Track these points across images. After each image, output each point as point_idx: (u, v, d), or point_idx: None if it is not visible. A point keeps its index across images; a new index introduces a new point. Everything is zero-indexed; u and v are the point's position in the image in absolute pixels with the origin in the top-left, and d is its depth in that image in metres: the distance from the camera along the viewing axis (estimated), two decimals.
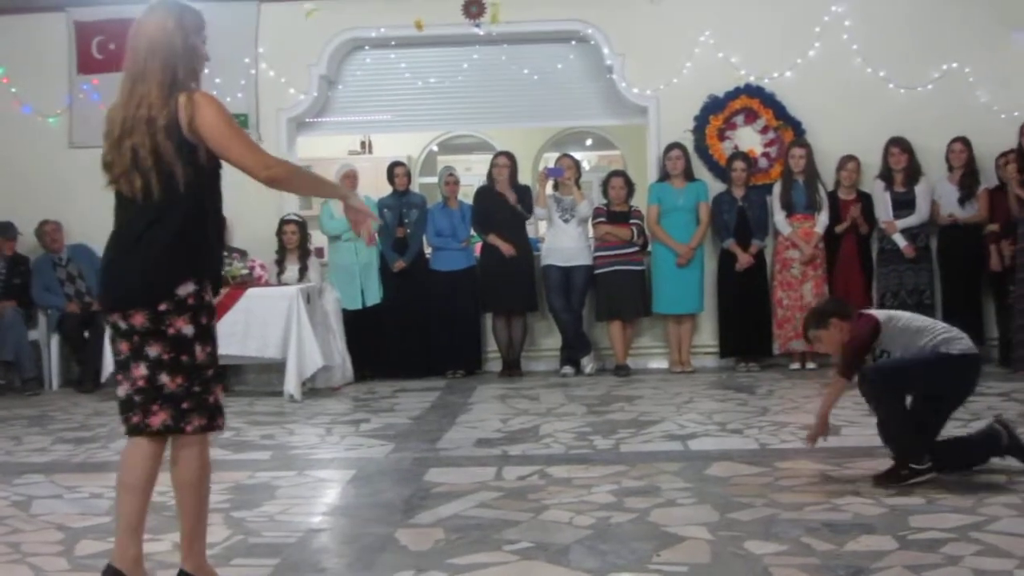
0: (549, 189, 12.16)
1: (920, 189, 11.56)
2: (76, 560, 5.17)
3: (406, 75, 12.91)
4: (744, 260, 11.69)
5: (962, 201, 11.55)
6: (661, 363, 12.24)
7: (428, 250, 12.32)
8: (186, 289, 4.34)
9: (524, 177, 12.88)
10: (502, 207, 12.01)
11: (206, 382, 4.45)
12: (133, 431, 4.42)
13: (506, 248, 11.85)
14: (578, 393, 10.46)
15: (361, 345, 11.74)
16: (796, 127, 12.18)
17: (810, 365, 11.54)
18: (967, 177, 11.58)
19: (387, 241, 12.08)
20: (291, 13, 12.39)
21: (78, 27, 12.51)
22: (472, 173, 16.46)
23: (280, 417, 9.66)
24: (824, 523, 5.35)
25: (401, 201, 12.21)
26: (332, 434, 8.71)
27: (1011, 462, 6.34)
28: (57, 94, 12.57)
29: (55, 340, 12.07)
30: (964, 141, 11.61)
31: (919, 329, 6.37)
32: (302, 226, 12.03)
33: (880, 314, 6.46)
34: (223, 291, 10.59)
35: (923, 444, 6.19)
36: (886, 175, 11.67)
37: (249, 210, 11.89)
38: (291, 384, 10.54)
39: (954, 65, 12.12)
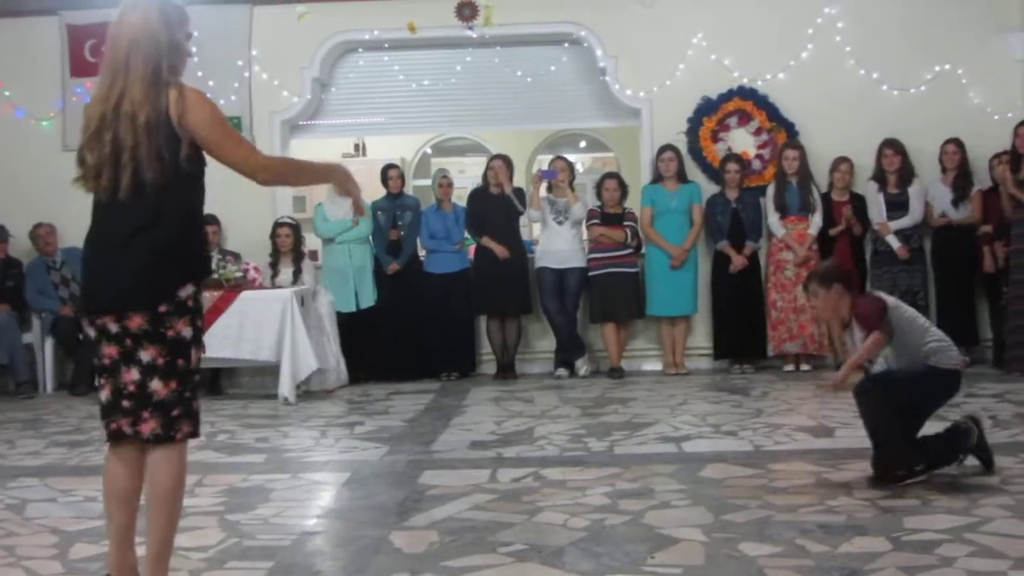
0: (543, 191, 12.18)
1: (913, 190, 11.58)
2: (70, 564, 5.15)
3: (399, 77, 12.92)
4: (738, 262, 11.70)
5: (955, 202, 11.57)
6: (655, 365, 12.25)
7: (422, 252, 12.32)
8: (186, 291, 4.28)
9: (518, 179, 12.86)
10: (496, 209, 12.01)
11: (195, 387, 4.39)
12: (115, 438, 4.34)
13: (500, 250, 11.86)
14: (572, 395, 10.46)
15: (355, 348, 11.74)
16: (789, 129, 12.20)
17: (804, 367, 11.54)
18: (960, 178, 11.60)
19: (381, 243, 12.09)
20: (284, 16, 12.38)
21: (71, 30, 12.50)
22: (466, 175, 16.47)
23: (274, 420, 9.65)
24: (818, 525, 5.35)
25: (395, 203, 12.22)
26: (326, 437, 8.70)
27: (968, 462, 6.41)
28: (50, 97, 12.56)
29: (49, 343, 12.07)
30: (957, 142, 11.63)
31: (922, 328, 6.40)
32: (296, 229, 12.04)
33: (888, 299, 6.45)
34: (216, 294, 10.63)
35: (911, 453, 6.22)
36: (879, 177, 11.70)
37: (243, 213, 11.94)
38: (285, 387, 10.53)
39: (947, 67, 12.14)
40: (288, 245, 11.90)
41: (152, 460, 4.33)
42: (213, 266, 11.07)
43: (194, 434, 4.39)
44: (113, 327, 4.26)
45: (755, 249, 11.85)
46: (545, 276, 11.88)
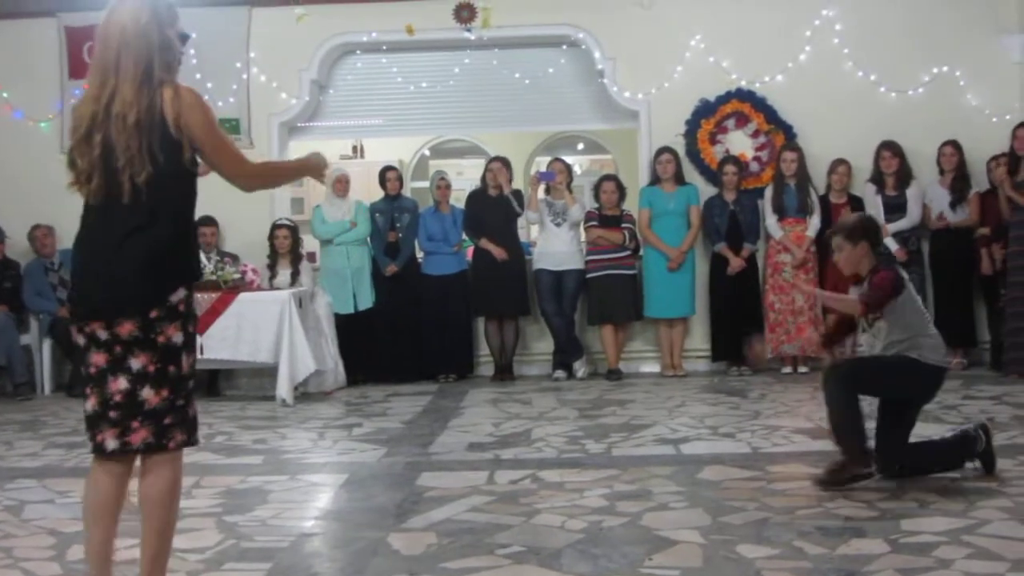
0: (541, 193, 12.19)
1: (911, 193, 11.59)
2: (68, 565, 5.16)
3: (397, 79, 12.91)
4: (736, 264, 11.71)
5: (953, 205, 11.57)
6: (653, 367, 12.24)
7: (420, 254, 12.32)
8: (178, 295, 4.18)
9: (516, 181, 12.87)
10: (494, 211, 12.02)
11: (188, 394, 4.27)
12: (99, 450, 4.21)
13: (498, 252, 11.86)
14: (570, 397, 10.46)
15: (353, 349, 11.74)
16: (787, 131, 12.20)
17: (802, 369, 11.54)
18: (958, 181, 11.61)
19: (379, 245, 12.09)
20: (282, 18, 12.37)
21: (69, 32, 12.50)
22: (464, 177, 16.50)
23: (272, 421, 9.65)
24: (816, 527, 5.36)
25: (393, 205, 12.22)
26: (324, 438, 8.70)
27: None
28: (48, 99, 12.56)
29: (47, 345, 12.05)
30: (955, 145, 11.64)
31: (925, 318, 6.43)
32: (294, 230, 12.03)
33: (906, 280, 6.44)
34: (214, 295, 10.63)
35: (869, 451, 6.23)
36: (877, 179, 11.70)
37: (241, 214, 11.93)
38: (283, 388, 10.53)
39: (944, 69, 12.15)
40: (286, 247, 11.89)
41: (145, 469, 4.24)
42: (211, 267, 11.08)
43: (189, 442, 4.29)
44: (103, 334, 4.14)
45: (753, 251, 11.85)
46: (543, 278, 11.89)
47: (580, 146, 18.08)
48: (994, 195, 11.33)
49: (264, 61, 12.56)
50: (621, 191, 12.05)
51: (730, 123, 12.35)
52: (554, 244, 11.92)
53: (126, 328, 4.11)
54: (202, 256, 11.46)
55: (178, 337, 4.19)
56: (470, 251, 12.32)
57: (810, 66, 12.29)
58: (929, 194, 11.70)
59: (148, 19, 4.18)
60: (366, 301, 11.98)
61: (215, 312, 10.61)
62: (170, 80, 4.19)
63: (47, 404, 11.18)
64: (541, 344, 12.41)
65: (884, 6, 12.21)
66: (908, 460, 6.31)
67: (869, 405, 6.42)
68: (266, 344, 10.64)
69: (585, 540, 5.28)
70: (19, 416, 10.36)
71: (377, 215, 12.15)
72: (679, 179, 12.01)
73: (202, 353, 10.58)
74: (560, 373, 11.87)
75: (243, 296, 10.82)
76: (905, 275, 6.43)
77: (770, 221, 11.72)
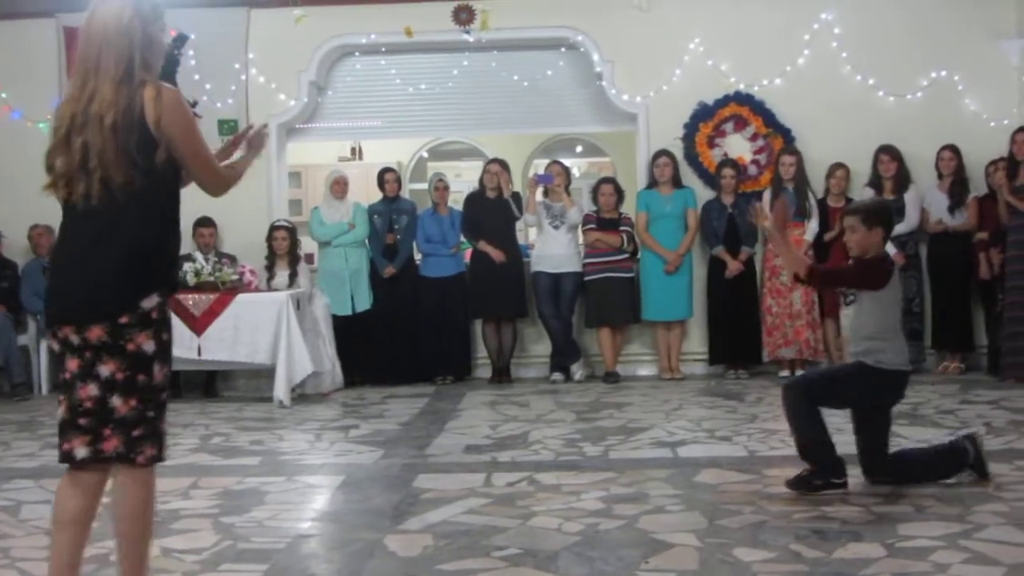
0: (539, 196, 12.18)
1: (909, 197, 11.59)
2: None
3: (396, 81, 12.91)
4: (733, 267, 11.71)
5: (952, 209, 11.57)
6: (650, 370, 12.25)
7: (418, 256, 12.32)
8: (151, 302, 4.07)
9: (514, 184, 12.87)
10: (492, 213, 12.02)
11: (160, 406, 4.15)
12: (67, 459, 4.08)
13: (496, 254, 11.86)
14: (567, 400, 10.46)
15: (351, 351, 11.75)
16: (786, 135, 12.20)
17: (799, 372, 11.53)
18: (956, 185, 11.61)
19: (377, 247, 12.10)
20: (281, 19, 12.36)
21: (67, 32, 12.48)
22: (462, 179, 16.53)
23: (269, 423, 9.65)
24: (812, 530, 5.36)
25: (391, 207, 12.22)
26: (321, 440, 8.70)
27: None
28: (47, 100, 12.46)
29: (44, 345, 12.05)
30: (953, 149, 11.64)
31: (899, 313, 6.44)
32: (292, 232, 12.03)
33: (895, 276, 6.42)
34: (212, 296, 10.63)
35: (839, 461, 6.21)
36: (875, 183, 11.71)
37: (239, 216, 11.93)
38: (280, 390, 10.53)
39: (943, 73, 12.16)
40: (284, 248, 11.89)
41: (119, 483, 4.12)
42: (209, 268, 11.08)
43: (158, 458, 4.15)
44: (74, 339, 4.05)
45: (750, 254, 11.86)
46: (541, 280, 11.89)
47: (578, 149, 18.09)
48: (992, 200, 11.33)
49: (263, 62, 12.56)
50: (619, 194, 12.05)
51: (728, 126, 12.35)
52: (552, 247, 11.92)
53: (95, 333, 4.02)
54: (200, 257, 11.47)
55: (149, 345, 4.08)
56: (468, 253, 12.33)
57: (809, 70, 12.29)
58: (928, 198, 11.71)
59: (131, 17, 4.11)
60: (364, 303, 11.99)
61: (213, 313, 10.62)
62: (152, 79, 4.10)
63: (44, 404, 11.16)
64: (539, 346, 12.41)
65: (883, 10, 12.21)
66: (892, 468, 6.29)
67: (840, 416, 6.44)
68: (264, 345, 10.65)
69: (582, 543, 5.28)
70: (16, 416, 10.36)
71: (375, 217, 12.16)
72: (676, 182, 12.00)
73: (200, 354, 10.64)
74: (557, 376, 11.87)
75: (241, 297, 10.82)
76: (896, 274, 6.39)
77: (768, 224, 11.72)
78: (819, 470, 6.16)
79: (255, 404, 10.83)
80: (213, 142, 4.59)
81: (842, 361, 6.81)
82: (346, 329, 11.80)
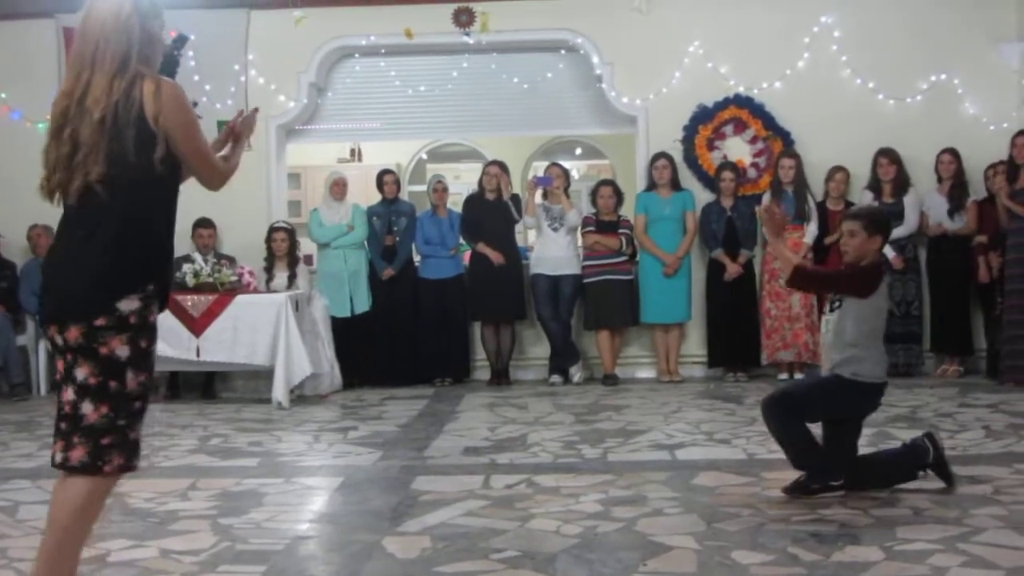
0: (538, 198, 12.18)
1: (908, 200, 11.59)
2: None
3: (396, 83, 12.91)
4: (732, 270, 11.71)
5: (951, 213, 11.56)
6: (649, 372, 12.25)
7: (417, 258, 12.32)
8: (130, 305, 3.97)
9: (514, 186, 12.88)
10: (491, 215, 12.02)
11: (133, 415, 4.03)
12: (53, 463, 4.04)
13: (495, 256, 11.86)
14: (566, 402, 10.46)
15: (349, 353, 11.75)
16: (785, 137, 12.20)
17: (798, 375, 11.52)
18: (956, 189, 11.60)
19: (376, 249, 12.10)
20: (281, 20, 12.36)
21: (67, 33, 12.47)
22: (461, 181, 16.51)
23: (268, 424, 9.64)
24: (810, 533, 5.36)
25: (390, 209, 12.22)
26: (320, 441, 8.70)
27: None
28: (46, 100, 12.29)
29: (43, 345, 12.05)
30: (953, 152, 11.63)
31: (883, 324, 6.37)
32: (291, 233, 12.02)
33: (884, 284, 6.39)
34: (211, 298, 10.63)
35: (834, 464, 6.20)
36: (875, 186, 11.70)
37: (238, 217, 11.94)
38: (279, 391, 10.53)
39: (943, 77, 12.15)
40: (283, 249, 11.88)
41: (67, 482, 4.01)
42: (208, 269, 11.08)
43: (127, 467, 4.03)
44: (58, 339, 4.01)
45: (749, 257, 11.86)
46: (540, 283, 11.89)
47: (578, 151, 18.07)
48: (992, 203, 11.32)
49: (262, 64, 12.55)
50: (618, 196, 12.04)
51: (728, 129, 12.34)
52: (551, 249, 11.91)
53: (72, 334, 3.96)
54: (199, 258, 11.49)
55: (123, 351, 3.97)
56: (467, 255, 12.33)
57: (808, 73, 12.29)
58: (927, 202, 11.70)
59: (130, 12, 4.09)
60: (363, 304, 11.99)
61: (212, 314, 10.62)
62: (151, 74, 4.06)
63: (42, 405, 11.15)
64: (537, 349, 12.40)
65: (883, 13, 12.21)
66: (859, 473, 6.26)
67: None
68: (262, 347, 10.65)
69: (580, 545, 5.28)
70: (14, 417, 10.35)
71: (374, 219, 12.16)
72: (675, 185, 12.00)
73: (199, 355, 10.64)
74: (556, 378, 11.87)
75: (240, 298, 10.83)
76: (884, 285, 6.37)
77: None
78: (815, 474, 6.16)
79: (254, 405, 10.82)
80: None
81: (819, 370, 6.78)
82: (345, 331, 11.79)
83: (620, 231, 11.88)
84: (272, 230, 11.97)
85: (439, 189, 12.39)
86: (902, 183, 11.65)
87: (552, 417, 9.54)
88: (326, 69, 12.85)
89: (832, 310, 6.32)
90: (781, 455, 7.31)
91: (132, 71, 4.01)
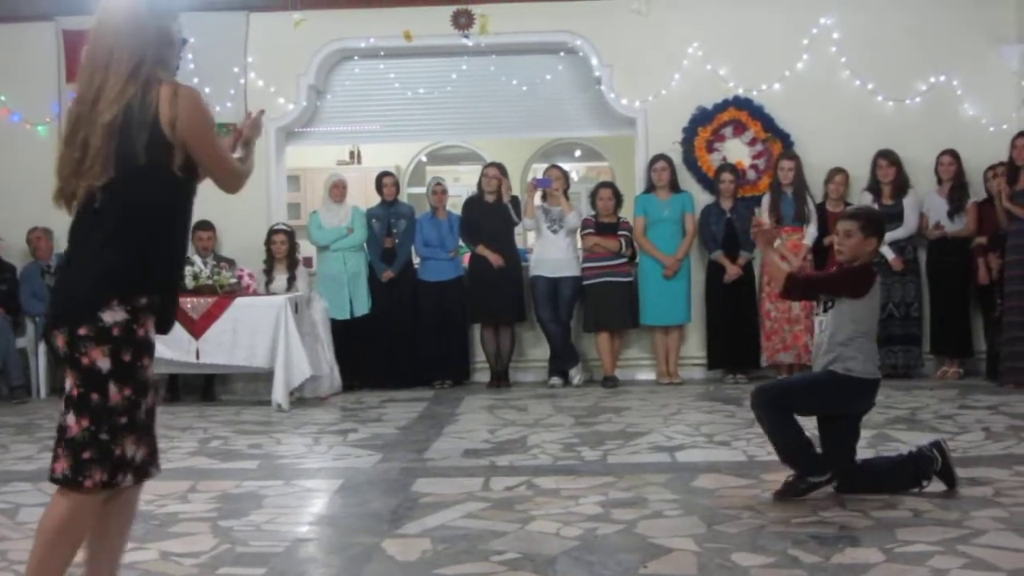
0: (537, 200, 12.17)
1: (908, 202, 11.59)
2: None
3: (395, 85, 12.92)
4: (732, 272, 11.71)
5: (951, 214, 11.56)
6: (649, 374, 12.25)
7: (416, 260, 12.32)
8: (113, 316, 3.80)
9: (513, 188, 12.88)
10: (491, 217, 12.02)
11: (116, 429, 3.82)
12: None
13: (495, 259, 11.86)
14: (566, 404, 10.46)
15: (349, 355, 11.75)
16: (784, 139, 12.20)
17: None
18: (956, 190, 11.60)
19: (375, 251, 12.10)
20: (280, 23, 12.37)
21: (66, 36, 12.50)
22: (460, 183, 16.53)
23: (268, 427, 9.64)
24: (811, 535, 5.36)
25: (389, 211, 12.22)
26: (320, 444, 8.70)
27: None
28: (46, 102, 12.55)
29: (42, 348, 12.04)
30: (953, 154, 11.64)
31: (875, 323, 6.37)
32: (291, 236, 12.01)
33: (877, 284, 6.37)
34: (210, 300, 10.62)
35: (819, 458, 6.21)
36: (874, 188, 11.70)
37: (238, 219, 11.94)
38: (279, 394, 10.53)
39: (942, 78, 12.16)
40: (283, 252, 11.88)
41: (55, 496, 3.89)
42: (207, 272, 11.08)
43: (109, 483, 3.83)
44: (55, 345, 3.92)
45: (749, 259, 11.86)
46: (539, 285, 11.89)
47: (577, 153, 18.08)
48: (991, 205, 11.32)
49: (262, 66, 12.56)
50: (618, 198, 12.05)
51: (727, 131, 12.35)
52: (550, 251, 11.91)
53: (60, 341, 3.86)
54: (198, 260, 11.49)
55: (104, 363, 3.80)
56: (466, 257, 12.33)
57: (807, 74, 12.29)
58: (927, 203, 11.70)
59: (145, 13, 3.97)
60: (362, 307, 11.99)
61: (211, 316, 10.62)
62: (168, 78, 3.95)
63: (42, 407, 11.15)
64: (537, 351, 12.40)
65: (882, 14, 12.21)
66: (859, 478, 6.26)
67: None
68: (262, 349, 10.65)
69: (580, 547, 5.27)
70: (14, 419, 10.35)
71: (374, 221, 12.16)
72: (674, 187, 12.00)
73: (198, 358, 10.64)
74: (556, 380, 11.86)
75: (239, 301, 10.83)
76: (877, 284, 6.35)
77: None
78: (802, 472, 6.16)
79: (253, 408, 10.82)
80: None
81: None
82: (344, 333, 11.79)
83: (619, 233, 11.88)
84: (271, 232, 11.97)
85: (438, 191, 12.39)
86: (901, 185, 11.65)
87: (552, 419, 9.54)
88: (325, 71, 12.85)
89: (825, 311, 6.31)
90: None
91: (147, 74, 3.89)
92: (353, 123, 13.30)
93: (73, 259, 3.94)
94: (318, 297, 11.67)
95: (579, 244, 12.16)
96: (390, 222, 12.15)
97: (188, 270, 10.98)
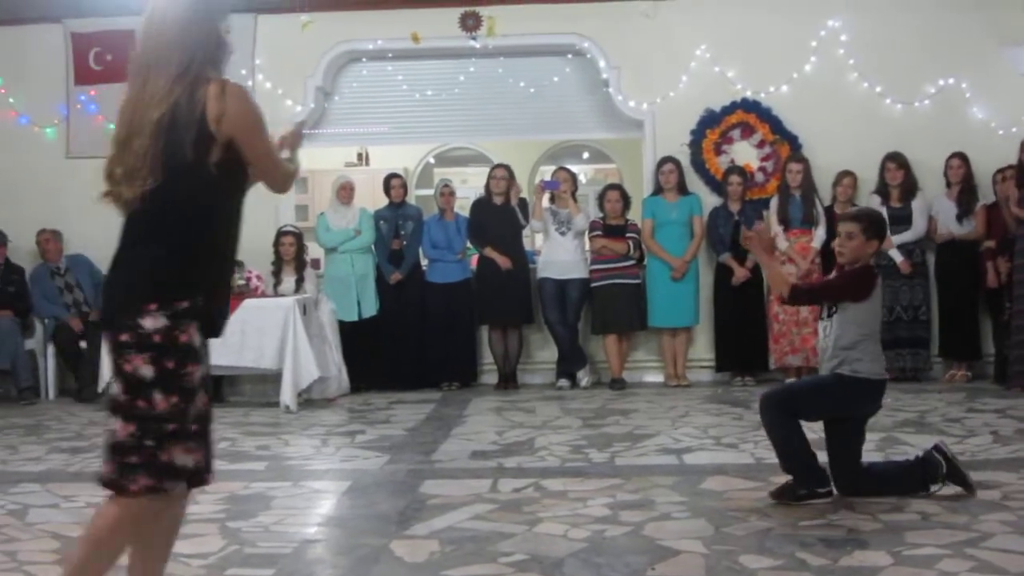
0: (545, 202, 12.18)
1: (916, 205, 11.58)
2: None
3: (403, 87, 12.92)
4: (740, 274, 11.70)
5: (960, 217, 11.55)
6: (656, 377, 12.24)
7: (424, 262, 12.33)
8: (155, 323, 3.71)
9: (521, 190, 12.88)
10: (499, 219, 12.02)
11: (163, 437, 3.74)
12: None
13: (502, 260, 11.86)
14: (573, 406, 10.46)
15: (357, 356, 11.74)
16: (792, 142, 12.19)
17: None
18: (965, 193, 11.59)
19: (383, 253, 12.11)
20: (288, 25, 12.38)
21: (75, 38, 12.52)
22: (468, 185, 16.54)
23: (275, 428, 9.65)
24: (819, 538, 5.35)
25: (397, 213, 12.23)
26: (327, 445, 8.70)
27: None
28: (54, 105, 12.59)
29: (51, 349, 12.06)
30: (962, 157, 11.62)
31: (878, 324, 6.35)
32: (299, 237, 12.04)
33: (878, 287, 6.36)
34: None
35: (821, 472, 6.19)
36: (882, 190, 11.69)
37: (246, 221, 11.76)
38: (287, 395, 10.54)
39: (951, 81, 12.14)
40: (291, 254, 11.90)
41: (107, 499, 3.83)
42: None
43: (155, 489, 3.75)
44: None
45: (757, 262, 11.84)
46: (547, 287, 11.89)
47: (585, 155, 18.09)
48: (1000, 208, 11.31)
49: (270, 68, 12.57)
50: (626, 200, 12.05)
51: (735, 133, 12.34)
52: (558, 253, 11.91)
53: (108, 345, 3.82)
54: None
55: (147, 371, 3.72)
56: (474, 259, 12.33)
57: (816, 77, 12.28)
58: (936, 206, 11.69)
59: (195, 13, 3.92)
60: (370, 308, 11.99)
61: None
62: (216, 76, 3.91)
63: (51, 409, 11.18)
64: (545, 353, 12.40)
65: (890, 17, 12.20)
66: (864, 482, 6.25)
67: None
68: (270, 350, 10.65)
69: (588, 549, 5.27)
70: (23, 420, 10.37)
71: (381, 223, 12.17)
72: (682, 189, 12.00)
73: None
74: (563, 382, 11.86)
75: (247, 302, 10.82)
76: (879, 285, 6.34)
77: (775, 232, 11.70)
78: (803, 480, 6.14)
79: (261, 409, 10.84)
80: None
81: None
82: (352, 335, 11.80)
83: (627, 235, 11.88)
84: (279, 234, 11.98)
85: (446, 193, 12.40)
86: (910, 187, 11.64)
87: (559, 421, 9.54)
88: (333, 73, 12.86)
89: (829, 316, 6.30)
90: None
91: (196, 73, 3.84)
92: (361, 125, 13.29)
93: (117, 261, 3.87)
94: (326, 299, 11.67)
95: (587, 246, 12.15)
96: (398, 224, 12.16)
97: None
